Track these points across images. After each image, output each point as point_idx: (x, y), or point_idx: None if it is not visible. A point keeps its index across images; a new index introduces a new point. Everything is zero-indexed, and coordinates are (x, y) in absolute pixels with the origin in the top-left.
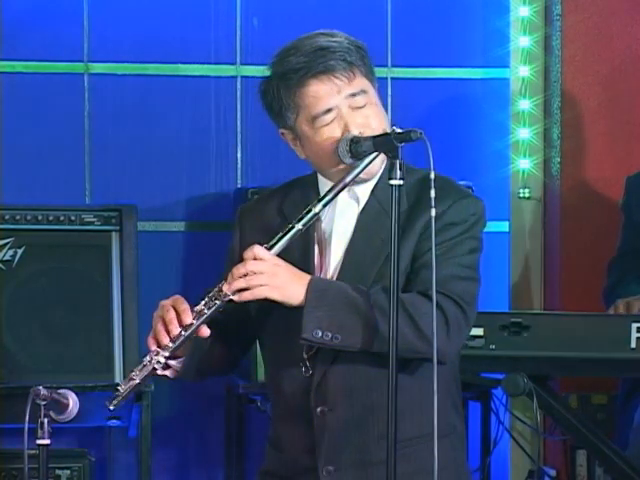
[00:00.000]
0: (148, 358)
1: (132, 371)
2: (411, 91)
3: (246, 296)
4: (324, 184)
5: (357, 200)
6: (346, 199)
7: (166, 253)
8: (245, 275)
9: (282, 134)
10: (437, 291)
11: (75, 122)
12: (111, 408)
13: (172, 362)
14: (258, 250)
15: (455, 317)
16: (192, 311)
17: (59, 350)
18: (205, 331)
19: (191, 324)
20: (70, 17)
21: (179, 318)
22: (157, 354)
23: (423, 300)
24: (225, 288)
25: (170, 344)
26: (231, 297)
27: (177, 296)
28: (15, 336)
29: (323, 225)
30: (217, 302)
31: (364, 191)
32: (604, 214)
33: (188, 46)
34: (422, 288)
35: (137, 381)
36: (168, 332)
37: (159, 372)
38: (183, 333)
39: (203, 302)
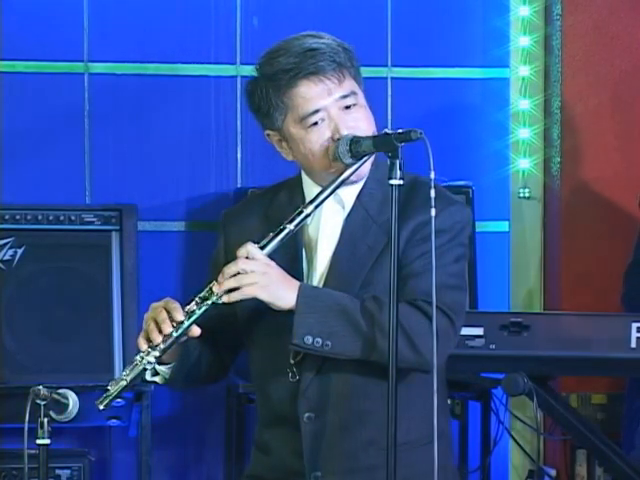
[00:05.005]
0: (139, 358)
1: (123, 371)
2: (411, 91)
3: (236, 296)
4: (309, 186)
5: (342, 206)
6: (332, 204)
7: (166, 253)
8: (236, 274)
9: (268, 135)
10: (425, 301)
11: (75, 122)
12: (101, 408)
13: (161, 368)
14: (251, 249)
15: (443, 328)
16: (183, 311)
17: (59, 350)
18: (196, 330)
19: (182, 323)
20: (70, 17)
21: (170, 318)
22: (148, 354)
23: (411, 310)
24: (216, 288)
25: (161, 343)
26: (222, 297)
27: (168, 298)
28: (15, 336)
29: (310, 230)
30: (208, 302)
31: (349, 197)
32: (604, 214)
33: (188, 46)
34: (410, 297)
35: (127, 381)
36: (160, 331)
37: (148, 378)
38: (174, 333)
39: (194, 302)
